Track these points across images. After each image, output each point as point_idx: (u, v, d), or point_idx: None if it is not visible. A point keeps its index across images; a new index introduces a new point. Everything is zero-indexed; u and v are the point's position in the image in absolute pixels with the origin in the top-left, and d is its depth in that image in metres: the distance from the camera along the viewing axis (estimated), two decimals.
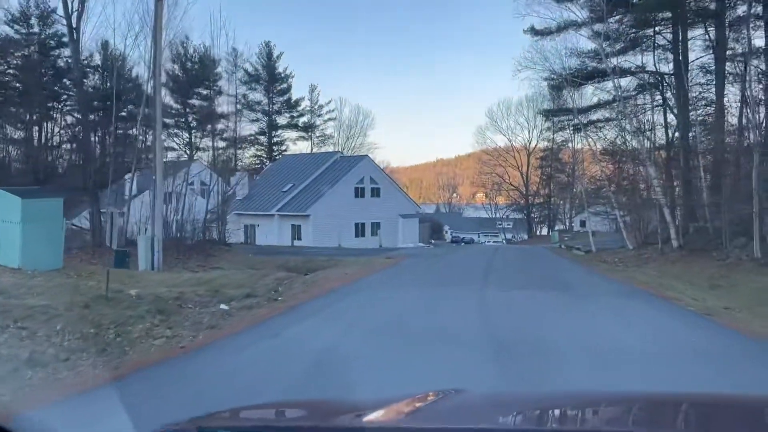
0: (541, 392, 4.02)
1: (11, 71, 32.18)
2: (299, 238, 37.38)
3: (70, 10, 21.47)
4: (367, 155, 45.80)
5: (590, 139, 32.28)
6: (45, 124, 33.70)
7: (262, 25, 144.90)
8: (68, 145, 35.20)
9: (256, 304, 10.25)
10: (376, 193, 41.41)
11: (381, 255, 27.76)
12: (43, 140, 33.01)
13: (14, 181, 23.19)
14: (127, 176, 36.23)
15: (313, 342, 7.29)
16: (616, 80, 29.38)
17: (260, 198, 40.25)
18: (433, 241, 66.06)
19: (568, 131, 46.53)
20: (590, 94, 35.49)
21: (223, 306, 9.18)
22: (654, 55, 30.10)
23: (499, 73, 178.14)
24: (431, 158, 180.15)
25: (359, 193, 40.33)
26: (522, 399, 2.50)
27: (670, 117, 29.67)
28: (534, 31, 33.35)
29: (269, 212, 38.24)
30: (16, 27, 33.76)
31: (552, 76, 33.67)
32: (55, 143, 35.12)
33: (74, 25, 21.64)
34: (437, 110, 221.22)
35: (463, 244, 54.52)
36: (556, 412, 2.06)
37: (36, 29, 33.57)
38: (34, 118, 31.42)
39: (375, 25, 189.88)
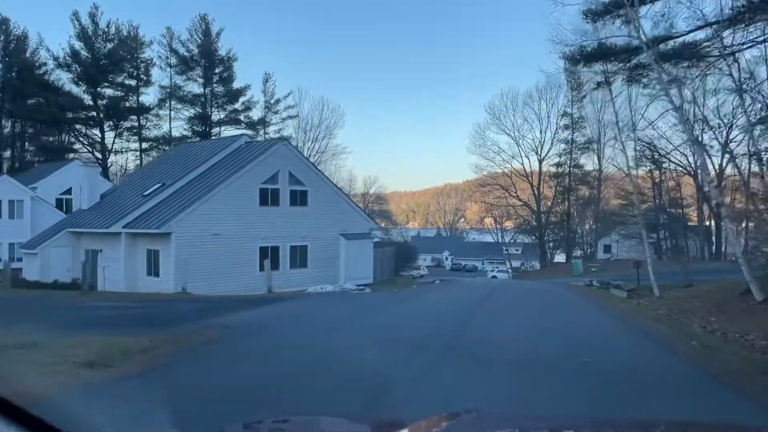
0: (556, 414, 4.18)
1: None
2: (156, 273, 22.19)
3: None
4: (284, 139, 30.20)
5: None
6: None
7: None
8: None
9: None
10: (299, 199, 26.09)
11: (219, 318, 12.89)
12: None
13: None
14: None
15: None
16: None
17: (111, 208, 25.13)
18: (421, 272, 49.99)
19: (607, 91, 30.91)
20: None
21: None
22: None
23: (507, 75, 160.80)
24: (439, 183, 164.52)
25: (269, 198, 25.03)
26: (535, 420, 2.73)
27: None
28: None
29: (110, 229, 23.09)
30: None
31: None
32: None
33: None
34: (444, 134, 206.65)
35: (446, 279, 38.66)
36: None
37: None
38: None
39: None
